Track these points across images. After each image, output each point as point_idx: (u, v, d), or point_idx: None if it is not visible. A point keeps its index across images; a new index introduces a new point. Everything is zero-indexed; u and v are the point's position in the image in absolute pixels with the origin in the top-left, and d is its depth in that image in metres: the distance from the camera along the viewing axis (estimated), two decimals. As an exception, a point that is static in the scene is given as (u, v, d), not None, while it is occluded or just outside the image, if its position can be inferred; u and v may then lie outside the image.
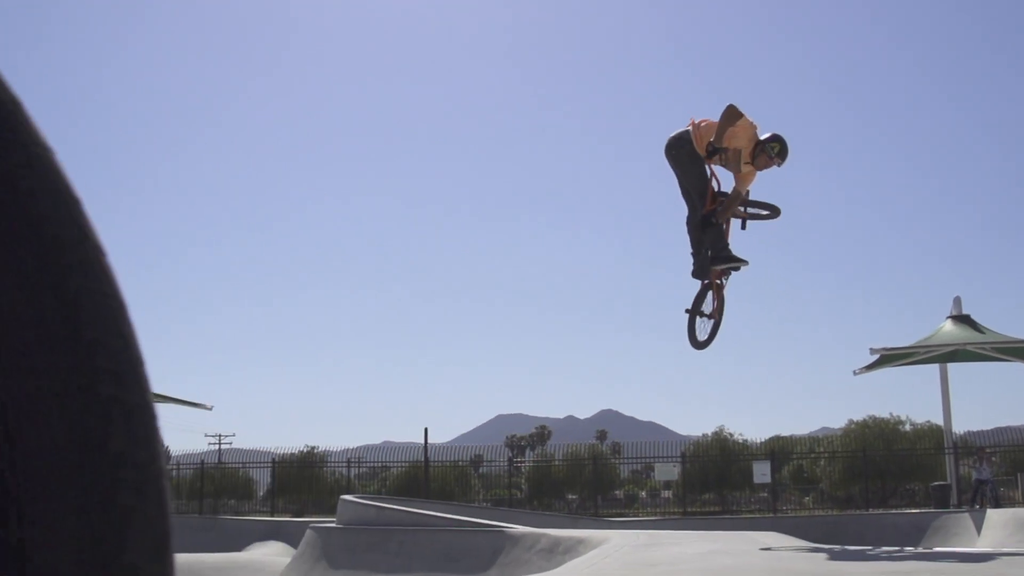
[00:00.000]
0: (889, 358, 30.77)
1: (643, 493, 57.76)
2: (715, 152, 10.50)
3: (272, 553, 24.34)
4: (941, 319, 31.34)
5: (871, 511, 31.81)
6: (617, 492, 52.78)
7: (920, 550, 10.54)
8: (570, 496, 45.49)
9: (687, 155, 10.79)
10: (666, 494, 51.64)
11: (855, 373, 32.04)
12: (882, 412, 46.04)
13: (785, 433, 51.00)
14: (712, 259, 11.15)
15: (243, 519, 32.97)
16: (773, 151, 10.41)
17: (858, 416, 46.47)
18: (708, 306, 11.78)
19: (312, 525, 19.14)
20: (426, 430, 38.99)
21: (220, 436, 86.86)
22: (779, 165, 10.57)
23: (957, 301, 31.40)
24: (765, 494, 39.18)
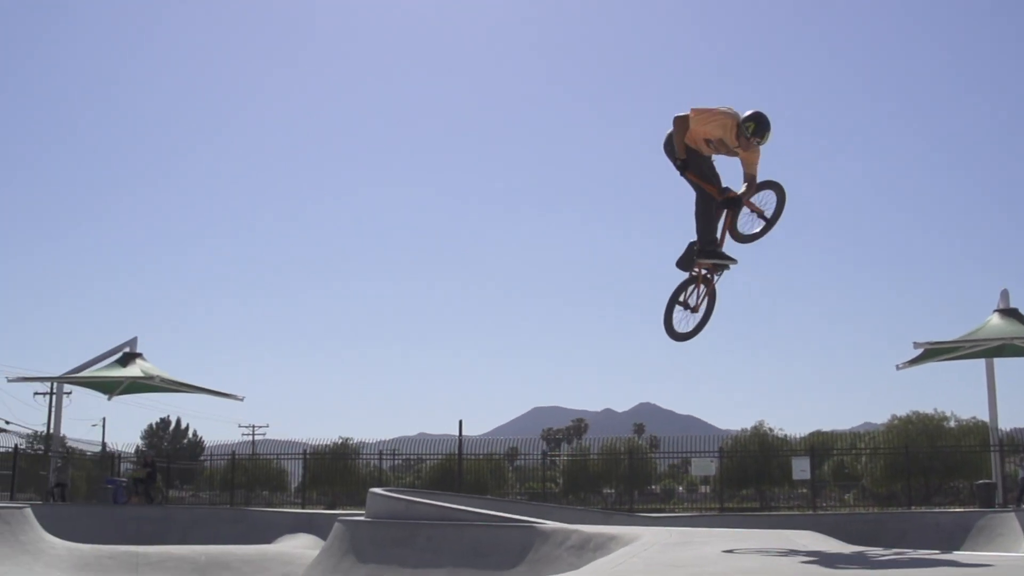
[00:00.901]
0: (933, 352, 30.38)
1: (681, 488, 57.49)
2: (685, 167, 10.53)
3: (301, 546, 24.32)
4: (987, 312, 30.92)
5: (913, 509, 31.40)
6: (654, 487, 52.55)
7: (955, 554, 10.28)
8: (606, 490, 45.29)
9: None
10: (704, 489, 51.34)
11: (898, 368, 31.68)
12: (926, 408, 45.50)
13: (826, 428, 50.51)
14: (698, 252, 10.94)
15: (273, 511, 33.03)
16: (748, 131, 10.18)
17: (901, 412, 45.96)
18: (694, 299, 11.49)
19: (340, 518, 19.07)
20: (460, 422, 38.93)
21: (254, 427, 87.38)
22: (760, 143, 10.30)
23: (1004, 294, 30.96)
24: (805, 490, 38.82)
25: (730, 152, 10.51)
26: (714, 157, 10.76)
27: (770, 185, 10.76)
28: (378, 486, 28.05)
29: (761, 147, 10.44)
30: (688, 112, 10.43)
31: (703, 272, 11.26)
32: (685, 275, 11.44)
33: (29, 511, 22.36)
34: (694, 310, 11.47)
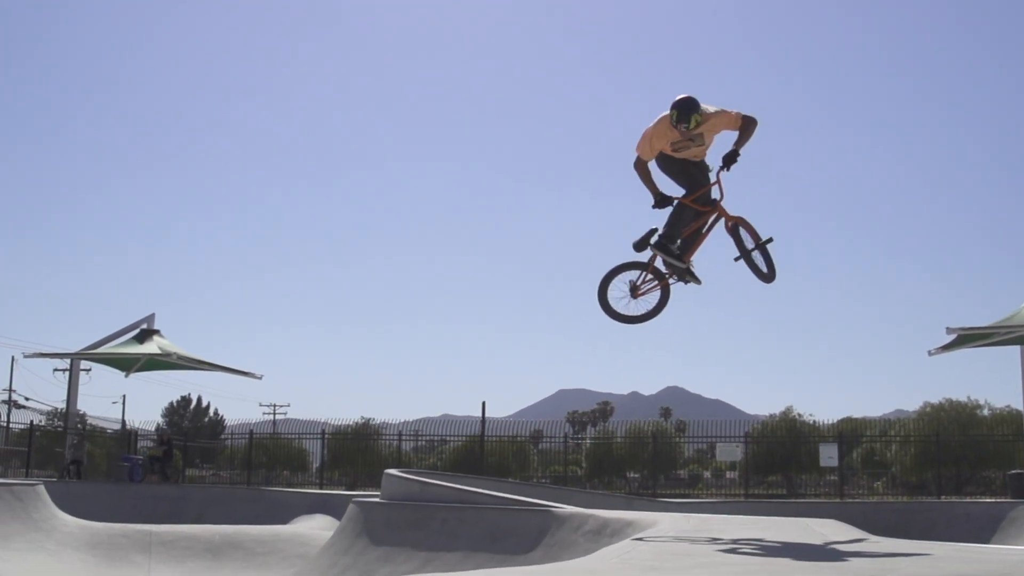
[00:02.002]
0: (967, 338, 29.99)
1: (707, 473, 57.31)
2: (661, 206, 10.38)
3: (318, 526, 24.25)
4: (1023, 298, 30.51)
5: (943, 499, 31.09)
6: (680, 472, 52.38)
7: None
8: (631, 475, 45.14)
9: (659, 164, 10.49)
10: (731, 475, 51.14)
11: (930, 354, 31.34)
12: (959, 395, 45.14)
13: (857, 415, 50.14)
14: (654, 241, 10.67)
15: (291, 491, 33.02)
16: (673, 119, 9.83)
17: (934, 399, 45.59)
18: (641, 285, 11.16)
19: (355, 499, 18.97)
20: (483, 404, 38.86)
21: (275, 406, 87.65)
22: (687, 129, 9.84)
23: (1041, 280, 30.54)
24: (834, 478, 38.57)
25: (696, 144, 10.14)
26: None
27: (743, 223, 10.48)
28: (399, 467, 27.99)
29: (711, 130, 10.00)
30: (636, 154, 10.22)
31: (655, 264, 10.95)
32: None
33: (42, 488, 22.39)
34: (634, 295, 11.11)
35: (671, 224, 10.48)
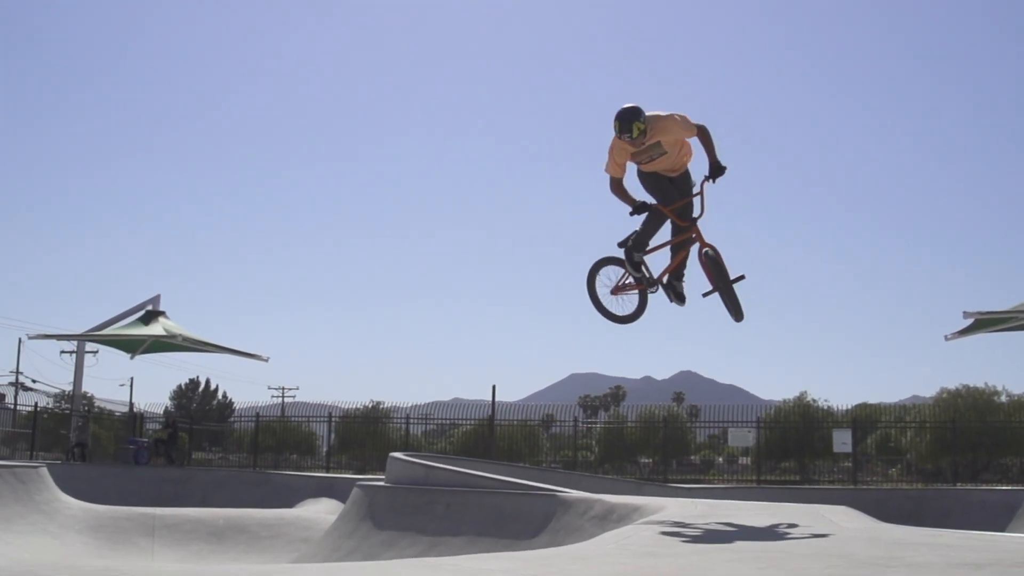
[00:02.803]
0: (984, 323, 29.76)
1: (720, 459, 57.16)
2: (639, 211, 10.14)
3: (323, 510, 24.22)
4: (1042, 282, 30.28)
5: (959, 486, 30.94)
6: (693, 457, 52.25)
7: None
8: (643, 460, 45.05)
9: (640, 181, 10.36)
10: (744, 461, 51.03)
11: (947, 338, 31.13)
12: (977, 381, 44.83)
13: (873, 401, 49.90)
14: (623, 243, 10.49)
15: (297, 474, 33.02)
16: (616, 131, 9.68)
17: (951, 385, 45.33)
18: (624, 288, 10.89)
19: (359, 483, 18.92)
20: (494, 387, 38.80)
21: (283, 389, 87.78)
22: (632, 139, 9.66)
23: (1060, 264, 30.32)
24: (848, 464, 38.44)
25: (658, 154, 9.97)
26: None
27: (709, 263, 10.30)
28: (412, 451, 27.93)
29: (665, 135, 9.81)
30: (609, 174, 10.10)
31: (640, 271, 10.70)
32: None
33: (45, 470, 22.39)
34: (613, 292, 10.94)
35: (639, 232, 10.35)
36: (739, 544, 7.13)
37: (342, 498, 24.47)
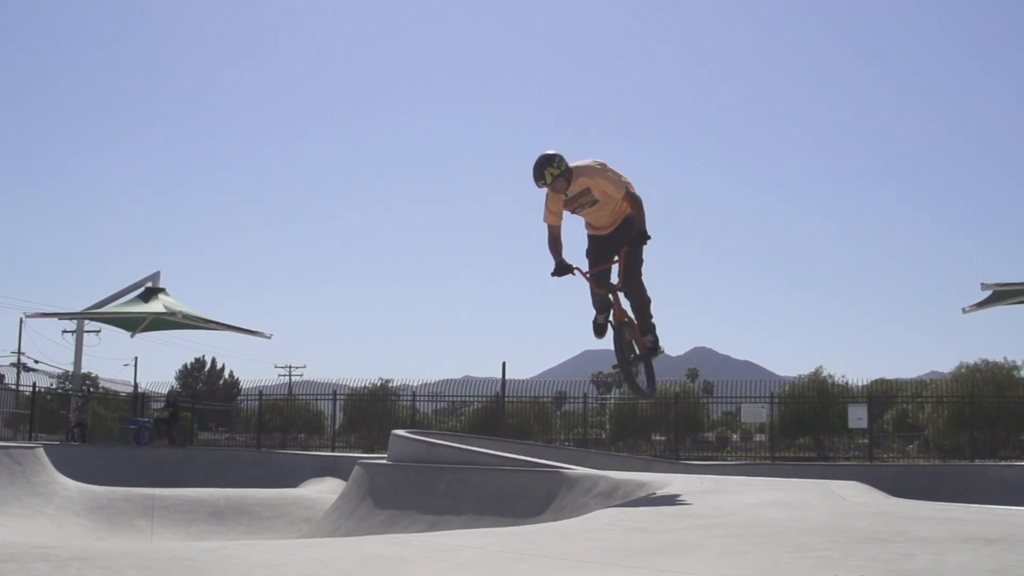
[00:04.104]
0: (1003, 295, 29.53)
1: (735, 436, 56.97)
2: (561, 272, 10.00)
3: (326, 490, 24.17)
4: (1062, 253, 29.99)
5: (977, 462, 30.74)
6: (707, 434, 52.09)
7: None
8: (656, 438, 44.86)
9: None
10: (759, 438, 50.81)
11: (964, 311, 30.93)
12: (995, 356, 44.56)
13: (891, 376, 49.58)
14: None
15: (299, 453, 32.97)
16: (535, 182, 9.72)
17: (970, 359, 45.01)
18: (631, 348, 10.59)
19: (360, 461, 18.80)
20: (504, 364, 38.68)
21: (290, 367, 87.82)
22: (548, 184, 9.65)
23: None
24: (865, 441, 38.24)
25: (588, 203, 9.95)
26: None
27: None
28: (422, 429, 27.78)
29: (594, 186, 9.78)
30: (546, 223, 10.00)
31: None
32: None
33: (41, 451, 22.32)
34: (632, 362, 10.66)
35: (592, 297, 10.37)
36: (738, 519, 6.94)
37: (346, 477, 24.35)
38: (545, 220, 9.96)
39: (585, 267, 10.20)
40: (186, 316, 33.84)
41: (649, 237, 9.68)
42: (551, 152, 9.61)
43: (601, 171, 9.74)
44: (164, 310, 33.18)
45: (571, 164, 9.64)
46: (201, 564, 4.18)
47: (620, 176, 9.80)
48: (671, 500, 8.89)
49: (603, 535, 5.94)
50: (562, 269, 9.92)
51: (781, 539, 5.73)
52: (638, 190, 9.88)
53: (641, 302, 10.18)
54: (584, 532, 6.21)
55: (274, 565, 4.32)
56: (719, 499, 8.76)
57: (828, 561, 4.85)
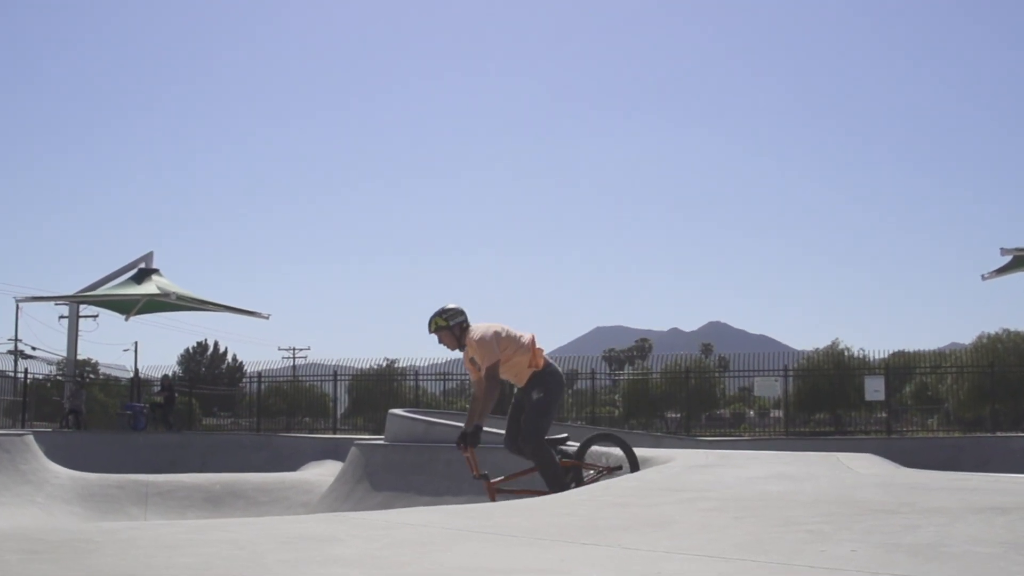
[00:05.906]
0: (1023, 260, 29.11)
1: (751, 412, 56.66)
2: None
3: (326, 473, 23.94)
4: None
5: (998, 434, 30.42)
6: (723, 411, 51.78)
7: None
8: (670, 415, 44.57)
9: None
10: (776, 414, 50.49)
11: (984, 278, 30.53)
12: (1018, 325, 44.09)
13: (910, 348, 49.15)
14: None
15: (299, 436, 32.77)
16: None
17: (991, 329, 44.55)
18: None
19: (357, 442, 18.58)
20: (513, 340, 38.33)
21: (294, 349, 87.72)
22: (433, 332, 10.27)
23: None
24: (883, 414, 37.92)
25: (479, 368, 10.22)
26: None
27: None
28: (431, 409, 27.50)
29: (470, 346, 10.16)
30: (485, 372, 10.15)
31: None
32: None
33: (31, 438, 22.16)
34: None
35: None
36: (730, 493, 6.65)
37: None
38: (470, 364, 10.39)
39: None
40: (180, 297, 33.37)
41: (478, 440, 10.33)
42: (450, 307, 10.21)
43: (479, 343, 9.93)
44: (157, 291, 32.74)
45: (472, 327, 10.09)
46: (95, 547, 3.89)
47: (495, 352, 9.91)
48: (667, 475, 8.62)
49: (575, 511, 5.64)
50: (462, 439, 10.46)
51: (770, 512, 5.44)
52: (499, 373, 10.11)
53: (540, 464, 10.56)
54: (552, 508, 5.90)
55: (180, 547, 4.04)
56: (719, 473, 8.51)
57: (817, 535, 4.53)
